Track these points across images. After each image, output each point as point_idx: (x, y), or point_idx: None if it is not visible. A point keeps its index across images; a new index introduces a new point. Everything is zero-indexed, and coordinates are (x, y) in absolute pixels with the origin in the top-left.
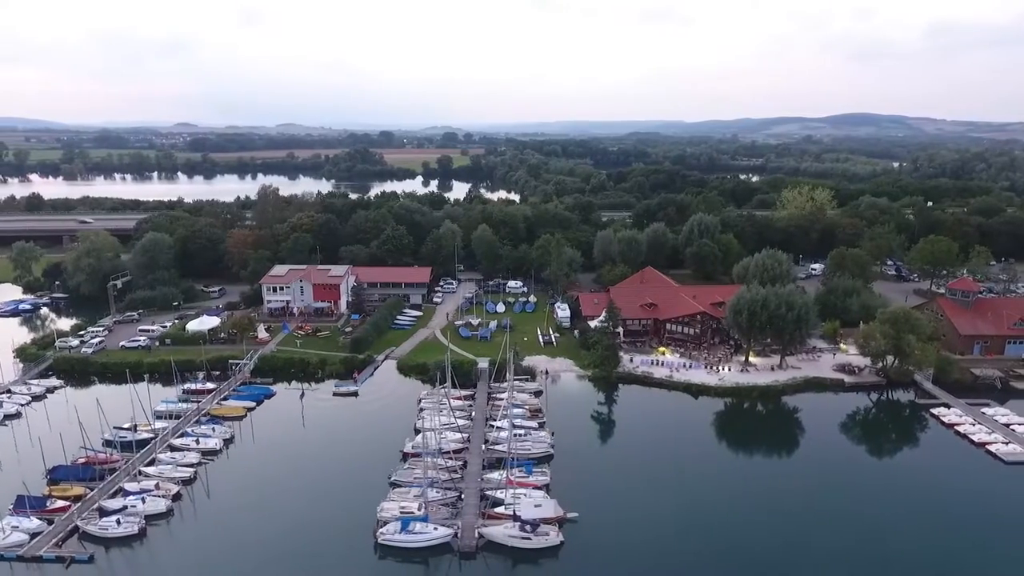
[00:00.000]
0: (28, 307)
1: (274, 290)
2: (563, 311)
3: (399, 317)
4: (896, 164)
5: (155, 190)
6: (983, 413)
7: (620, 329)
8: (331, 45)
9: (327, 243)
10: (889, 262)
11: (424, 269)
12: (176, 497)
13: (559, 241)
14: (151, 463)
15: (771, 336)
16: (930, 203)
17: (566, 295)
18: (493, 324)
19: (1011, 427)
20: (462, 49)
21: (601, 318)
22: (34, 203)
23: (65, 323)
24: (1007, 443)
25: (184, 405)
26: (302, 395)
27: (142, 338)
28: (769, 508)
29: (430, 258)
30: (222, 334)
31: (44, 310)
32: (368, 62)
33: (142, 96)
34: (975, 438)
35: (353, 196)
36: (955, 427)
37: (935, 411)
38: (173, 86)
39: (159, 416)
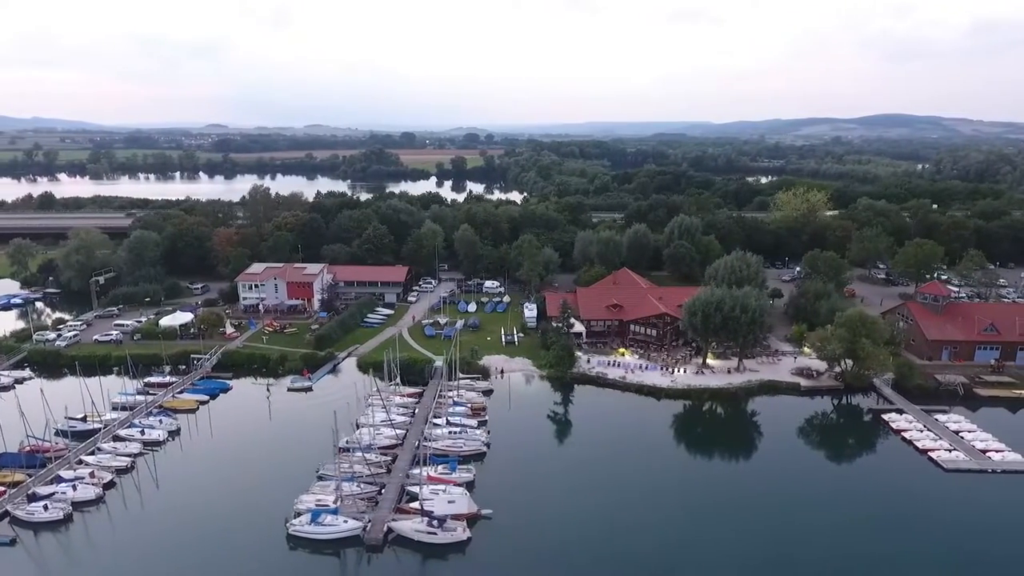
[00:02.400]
0: (19, 301)
1: (250, 287)
2: (530, 311)
3: (370, 315)
4: (920, 166)
5: (172, 189)
6: (936, 420)
7: (583, 329)
8: (361, 47)
9: (311, 242)
10: (881, 265)
11: (401, 268)
12: (109, 485)
13: (531, 242)
14: (94, 452)
15: (725, 338)
16: (935, 206)
17: (536, 295)
18: (460, 323)
19: (960, 434)
20: (492, 50)
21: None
22: (45, 201)
23: (54, 317)
24: (950, 451)
25: (140, 397)
26: (268, 390)
27: (114, 332)
28: (695, 514)
29: (411, 257)
30: (192, 330)
31: (40, 304)
32: (398, 63)
33: (176, 98)
34: (920, 445)
35: (365, 195)
36: (903, 433)
37: (886, 417)
38: (206, 88)
39: (116, 408)
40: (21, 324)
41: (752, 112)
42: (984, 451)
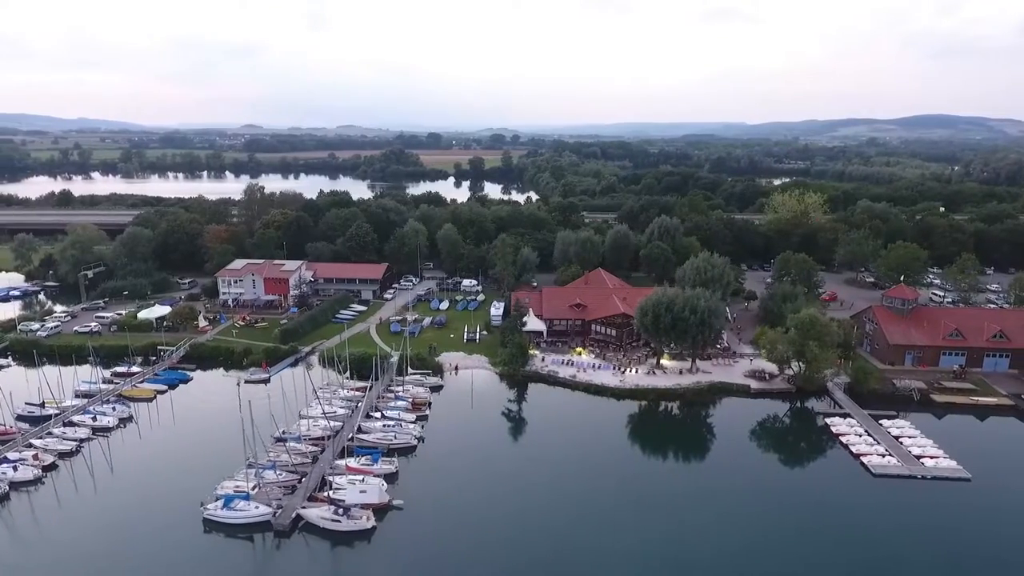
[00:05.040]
0: (18, 293)
1: (230, 283)
2: (496, 309)
3: (342, 311)
4: (951, 168)
5: (192, 188)
6: (880, 425)
7: (544, 328)
8: (395, 48)
9: (298, 239)
10: (869, 268)
11: (379, 266)
12: (50, 467)
13: (504, 241)
14: (43, 436)
15: (675, 338)
16: (943, 208)
17: (505, 294)
18: (427, 320)
19: (901, 440)
20: (527, 52)
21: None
22: (64, 199)
23: (46, 309)
24: (883, 456)
25: (102, 385)
26: (239, 383)
27: (93, 324)
28: (609, 515)
29: (394, 256)
30: (166, 322)
31: (42, 296)
32: (431, 64)
33: (214, 99)
34: (855, 449)
35: (369, 194)
36: (841, 437)
37: (828, 421)
38: (243, 89)
39: (78, 395)
40: (5, 314)
41: (788, 112)
42: (919, 457)
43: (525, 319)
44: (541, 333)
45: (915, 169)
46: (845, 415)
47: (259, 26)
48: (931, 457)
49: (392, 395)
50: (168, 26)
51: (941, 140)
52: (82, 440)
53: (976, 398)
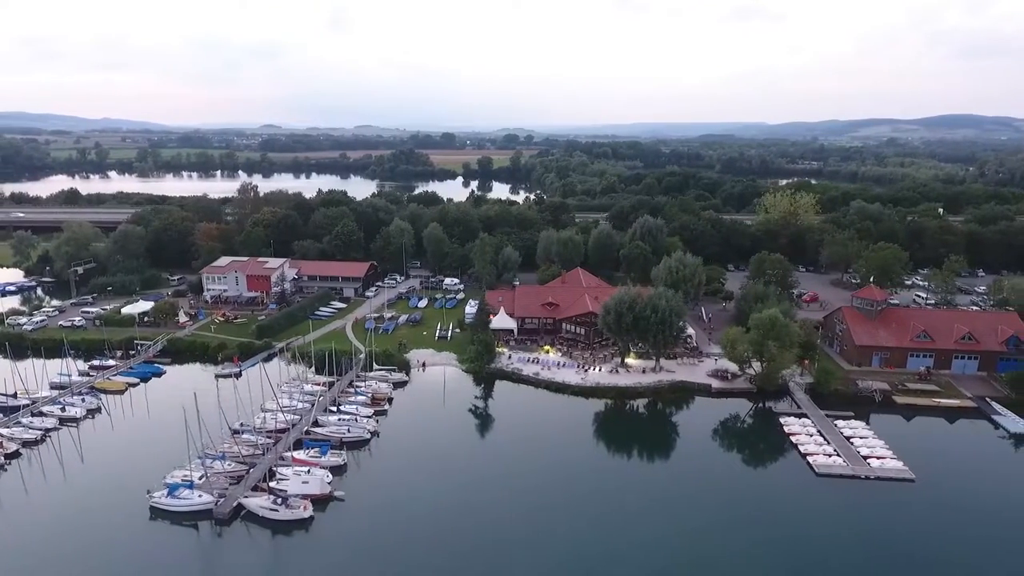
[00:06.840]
0: (13, 289)
1: (214, 280)
2: (471, 308)
3: (322, 308)
4: (967, 169)
5: (199, 187)
6: (835, 426)
7: (514, 326)
8: (416, 48)
9: (287, 237)
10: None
11: (362, 264)
12: (14, 455)
13: (484, 240)
14: (9, 426)
15: (637, 337)
16: (941, 210)
17: (483, 292)
18: (403, 318)
19: (852, 440)
20: (545, 52)
21: (497, 315)
22: (70, 197)
23: (38, 303)
24: (829, 456)
25: (76, 377)
26: (217, 377)
27: (78, 318)
28: (554, 513)
29: (379, 254)
30: (147, 318)
31: (39, 291)
32: (451, 65)
33: (235, 99)
34: (803, 448)
35: (366, 193)
36: (791, 436)
37: (782, 420)
38: (264, 89)
39: (53, 387)
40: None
41: (808, 113)
42: (867, 458)
43: (491, 317)
44: (511, 331)
45: (929, 170)
46: (801, 415)
47: (282, 27)
48: (878, 458)
49: (354, 390)
50: (193, 27)
51: (964, 141)
52: (48, 430)
53: (939, 400)
